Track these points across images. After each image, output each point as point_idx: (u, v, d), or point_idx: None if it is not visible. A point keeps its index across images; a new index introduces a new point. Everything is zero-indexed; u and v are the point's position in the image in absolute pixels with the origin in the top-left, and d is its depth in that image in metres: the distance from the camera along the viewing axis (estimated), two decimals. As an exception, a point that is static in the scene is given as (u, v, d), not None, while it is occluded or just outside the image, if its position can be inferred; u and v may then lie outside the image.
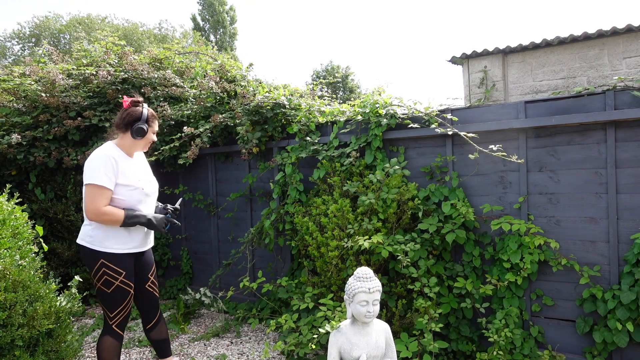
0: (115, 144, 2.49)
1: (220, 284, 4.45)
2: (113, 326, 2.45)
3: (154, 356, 3.30)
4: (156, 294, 2.69)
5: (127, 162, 2.45)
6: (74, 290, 2.34)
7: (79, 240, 2.42)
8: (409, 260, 2.87)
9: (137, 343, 3.53)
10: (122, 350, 3.41)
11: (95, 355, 2.47)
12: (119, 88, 4.42)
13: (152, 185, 2.59)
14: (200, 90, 4.40)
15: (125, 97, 2.54)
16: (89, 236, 2.37)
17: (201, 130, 3.92)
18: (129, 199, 2.41)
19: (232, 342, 3.52)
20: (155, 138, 2.60)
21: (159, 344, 2.73)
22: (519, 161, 2.86)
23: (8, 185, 2.51)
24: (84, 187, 2.33)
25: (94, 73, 4.48)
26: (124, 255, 2.42)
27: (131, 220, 2.38)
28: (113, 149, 2.45)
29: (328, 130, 3.76)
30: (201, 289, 3.99)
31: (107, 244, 2.37)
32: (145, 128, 2.47)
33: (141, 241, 2.51)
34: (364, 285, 1.97)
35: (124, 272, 2.41)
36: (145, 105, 2.54)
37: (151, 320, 2.67)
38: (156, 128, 2.60)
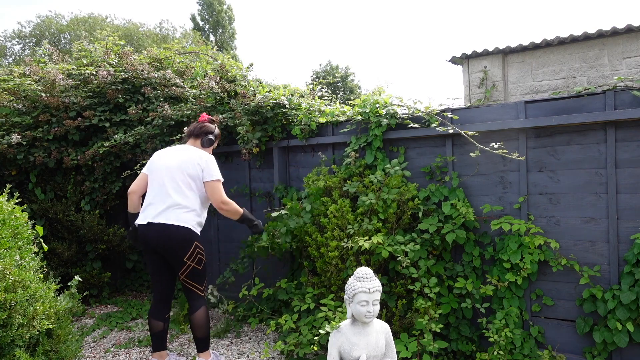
0: (199, 149, 2.98)
1: (216, 274, 4.45)
2: (204, 297, 2.92)
3: (154, 356, 3.31)
4: None
5: None
6: (74, 290, 2.34)
7: (179, 223, 2.71)
8: (409, 260, 2.88)
9: (137, 343, 3.53)
10: (122, 350, 3.42)
11: (197, 326, 2.83)
12: (119, 88, 4.42)
13: None
14: (200, 90, 4.40)
15: (204, 114, 3.14)
16: (191, 222, 2.78)
17: (201, 130, 3.92)
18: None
19: (232, 342, 3.52)
20: (210, 152, 3.10)
21: (165, 334, 2.98)
22: (520, 158, 2.86)
23: (8, 185, 2.51)
24: (210, 183, 2.84)
25: (94, 73, 4.48)
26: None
27: (247, 217, 3.03)
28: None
29: (328, 130, 3.76)
30: (209, 286, 3.93)
31: (199, 228, 2.86)
32: (214, 141, 3.09)
33: None
34: (364, 285, 1.97)
35: (204, 251, 2.90)
36: (217, 123, 3.19)
37: (169, 308, 3.01)
38: (216, 145, 3.19)
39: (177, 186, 2.78)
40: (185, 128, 3.94)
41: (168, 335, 3.68)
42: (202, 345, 2.88)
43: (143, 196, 2.93)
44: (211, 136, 3.05)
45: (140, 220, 2.80)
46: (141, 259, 4.99)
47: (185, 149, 2.92)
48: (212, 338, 3.60)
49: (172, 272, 2.91)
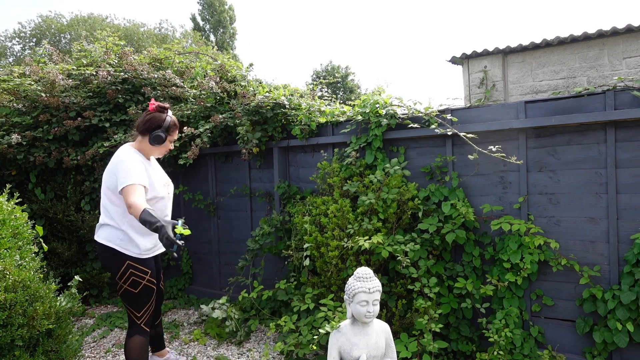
0: (134, 147, 2.51)
1: (221, 284, 4.45)
2: (141, 325, 2.52)
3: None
4: (162, 291, 2.84)
5: (148, 166, 2.51)
6: (74, 290, 2.34)
7: (105, 242, 2.41)
8: (409, 260, 2.87)
9: (137, 343, 3.52)
10: (122, 350, 3.42)
11: (126, 355, 2.52)
12: (119, 88, 4.42)
13: (168, 188, 2.65)
14: (200, 90, 4.40)
15: (153, 100, 2.58)
16: (114, 239, 2.41)
17: (201, 130, 3.92)
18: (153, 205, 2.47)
19: (232, 342, 3.52)
20: (172, 147, 2.62)
21: (160, 337, 2.95)
22: (518, 162, 2.86)
23: (8, 185, 2.51)
24: (123, 190, 2.26)
25: (94, 73, 4.48)
26: (149, 258, 2.52)
27: (147, 220, 2.10)
28: (134, 152, 2.48)
29: (328, 130, 3.76)
30: (217, 303, 3.81)
31: (136, 248, 2.42)
32: (163, 136, 2.48)
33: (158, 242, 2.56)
34: (364, 285, 1.97)
35: (149, 272, 2.49)
36: (169, 112, 2.55)
37: (159, 316, 2.86)
38: (175, 137, 2.60)
39: (103, 201, 2.47)
40: (185, 128, 3.97)
41: (168, 336, 3.68)
42: None
43: None
44: (159, 132, 2.45)
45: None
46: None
47: (114, 156, 2.46)
48: (213, 339, 3.60)
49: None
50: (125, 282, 2.43)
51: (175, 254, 2.04)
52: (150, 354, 3.01)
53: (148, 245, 2.49)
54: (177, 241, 2.02)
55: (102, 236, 2.45)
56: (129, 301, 2.49)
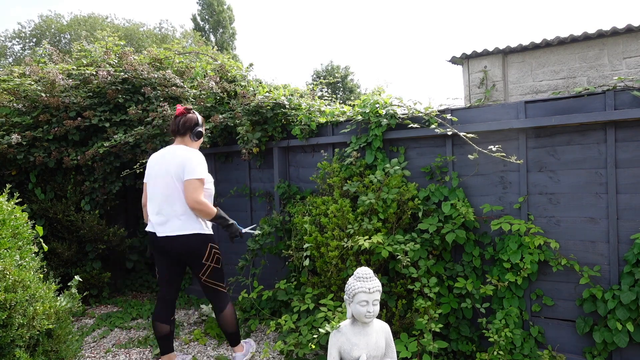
0: (185, 146, 2.82)
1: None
2: (227, 292, 2.98)
3: (154, 356, 3.30)
4: None
5: None
6: (74, 290, 2.33)
7: (186, 232, 2.69)
8: (409, 260, 2.87)
9: (137, 343, 3.52)
10: (122, 350, 3.42)
11: (227, 324, 2.93)
12: (119, 88, 4.42)
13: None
14: (200, 90, 4.40)
15: (178, 105, 2.91)
16: (197, 225, 2.74)
17: (201, 130, 3.92)
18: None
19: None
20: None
21: (172, 335, 3.01)
22: (518, 162, 2.86)
23: (8, 185, 2.51)
24: (187, 181, 2.67)
25: (94, 73, 4.48)
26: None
27: (221, 216, 2.81)
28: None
29: (328, 130, 3.76)
30: (202, 306, 3.87)
31: (208, 226, 2.84)
32: (203, 131, 2.92)
33: None
34: (364, 285, 1.97)
35: (218, 245, 2.92)
36: (194, 111, 2.93)
37: (174, 310, 3.02)
38: (204, 130, 3.05)
39: (171, 193, 2.71)
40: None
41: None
42: (234, 339, 3.01)
43: None
44: (199, 128, 2.87)
45: (150, 228, 2.82)
46: (141, 259, 4.99)
47: (173, 151, 2.78)
48: (213, 339, 3.60)
49: (181, 275, 2.94)
50: (211, 261, 2.81)
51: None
52: (159, 358, 3.05)
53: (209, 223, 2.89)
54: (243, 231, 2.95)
55: (186, 228, 2.71)
56: (216, 277, 2.86)
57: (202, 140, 2.96)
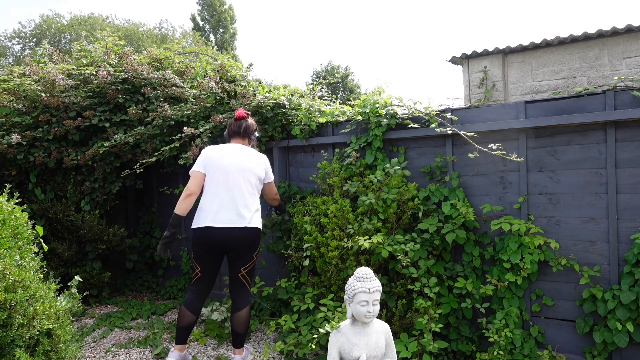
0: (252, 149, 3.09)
1: (221, 284, 4.45)
2: (251, 294, 3.18)
3: (154, 356, 3.30)
4: None
5: None
6: (74, 290, 2.33)
7: (255, 225, 2.89)
8: (409, 260, 2.87)
9: (137, 343, 3.52)
10: (122, 350, 3.42)
11: (241, 324, 2.95)
12: (119, 88, 4.42)
13: None
14: (200, 90, 4.40)
15: (240, 109, 3.12)
16: (260, 219, 2.99)
17: (201, 130, 3.92)
18: None
19: (231, 342, 3.51)
20: None
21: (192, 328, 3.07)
22: (519, 159, 2.86)
23: (8, 185, 2.51)
24: (271, 183, 3.18)
25: (94, 73, 4.48)
26: None
27: (284, 205, 3.54)
28: None
29: (328, 130, 3.76)
30: (215, 304, 3.85)
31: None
32: (259, 137, 3.33)
33: None
34: (364, 285, 1.97)
35: None
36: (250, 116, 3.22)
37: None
38: None
39: (251, 189, 2.92)
40: (185, 128, 3.96)
41: (168, 336, 3.68)
42: (240, 342, 3.02)
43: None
44: (257, 134, 3.19)
45: (213, 222, 2.80)
46: (141, 259, 4.99)
47: (247, 150, 3.02)
48: (213, 339, 3.61)
49: (219, 271, 3.02)
50: (257, 255, 2.96)
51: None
52: (172, 346, 3.13)
53: None
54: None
55: (257, 222, 2.92)
56: (252, 273, 3.00)
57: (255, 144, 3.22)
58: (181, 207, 2.85)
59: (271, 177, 3.15)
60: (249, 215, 2.86)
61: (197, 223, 2.86)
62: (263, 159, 3.07)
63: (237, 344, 3.01)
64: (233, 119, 3.11)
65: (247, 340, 3.53)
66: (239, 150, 2.99)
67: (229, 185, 2.85)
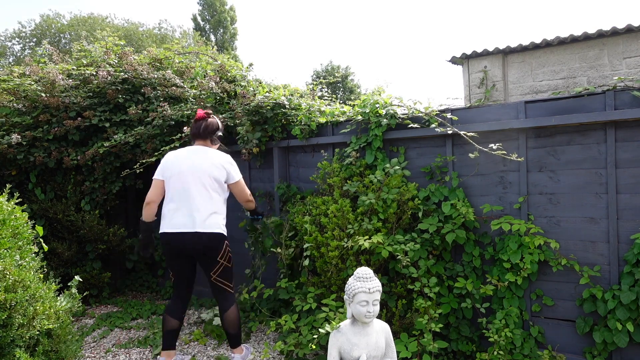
0: (214, 149, 2.98)
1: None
2: (234, 294, 3.00)
3: (154, 356, 3.30)
4: None
5: None
6: (74, 290, 2.33)
7: (214, 230, 2.80)
8: (408, 260, 2.87)
9: (137, 343, 3.52)
10: (122, 350, 3.42)
11: (230, 324, 2.93)
12: (119, 88, 4.42)
13: None
14: (200, 91, 4.40)
15: (199, 110, 3.01)
16: (222, 224, 2.89)
17: (201, 130, 3.92)
18: None
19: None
20: None
21: (179, 331, 3.07)
22: (519, 159, 2.86)
23: (8, 185, 2.51)
24: (236, 183, 2.99)
25: (94, 73, 4.48)
26: None
27: (258, 209, 3.41)
28: None
29: (328, 130, 3.76)
30: (216, 308, 3.81)
31: (225, 228, 2.94)
32: (222, 136, 3.05)
33: None
34: (364, 285, 1.97)
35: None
36: (213, 115, 3.09)
37: (187, 305, 3.10)
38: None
39: (205, 191, 2.82)
40: (185, 128, 3.96)
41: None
42: (235, 341, 3.00)
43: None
44: (219, 133, 3.03)
45: (169, 228, 2.80)
46: (141, 259, 4.99)
47: (204, 151, 2.92)
48: (213, 339, 3.60)
49: (194, 273, 2.99)
50: (225, 259, 2.88)
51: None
52: (159, 354, 3.07)
53: None
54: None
55: (212, 226, 2.81)
56: (226, 276, 2.92)
57: (220, 144, 3.08)
58: (145, 214, 2.93)
59: (235, 178, 2.97)
60: (201, 219, 2.77)
61: (160, 229, 2.87)
62: (224, 159, 2.93)
63: (233, 343, 3.01)
64: (193, 120, 3.04)
65: (247, 340, 3.53)
66: (196, 151, 2.91)
67: (183, 189, 2.80)
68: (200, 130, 2.95)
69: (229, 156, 2.99)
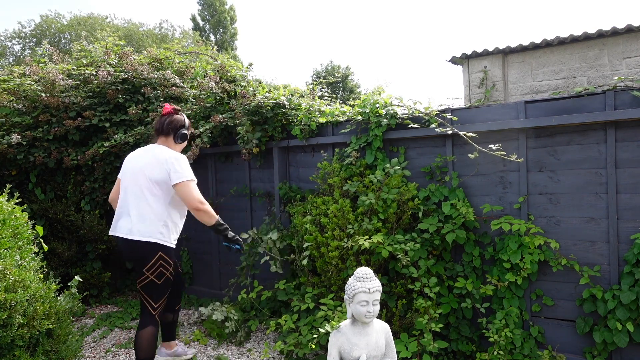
0: (169, 147, 2.70)
1: (221, 284, 4.45)
2: (155, 315, 2.64)
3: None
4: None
5: None
6: (74, 290, 2.34)
7: (144, 239, 2.51)
8: (409, 260, 2.87)
9: (137, 343, 3.52)
10: (122, 350, 3.42)
11: (138, 347, 2.57)
12: (119, 88, 4.42)
13: None
14: (200, 91, 4.40)
15: (167, 104, 2.77)
16: (158, 232, 2.54)
17: (201, 130, 3.92)
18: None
19: (232, 343, 3.51)
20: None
21: (175, 325, 3.03)
22: (518, 160, 2.86)
23: (8, 185, 2.51)
24: (180, 184, 2.53)
25: (94, 73, 4.48)
26: (174, 248, 2.68)
27: (221, 227, 2.75)
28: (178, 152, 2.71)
29: (328, 130, 3.76)
30: (216, 304, 3.83)
31: (171, 238, 2.62)
32: (188, 134, 2.77)
33: None
34: (364, 285, 1.97)
35: (173, 264, 2.65)
36: (182, 112, 2.82)
37: (179, 301, 3.00)
38: (189, 134, 2.85)
39: (140, 194, 2.56)
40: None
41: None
42: None
43: None
44: (184, 130, 2.73)
45: (112, 231, 2.66)
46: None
47: (151, 150, 2.65)
48: (213, 339, 3.60)
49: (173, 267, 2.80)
50: (152, 273, 2.55)
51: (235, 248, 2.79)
52: (159, 345, 3.06)
53: (177, 236, 2.70)
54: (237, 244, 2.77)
55: (143, 233, 2.52)
56: (150, 292, 2.59)
57: (184, 144, 2.81)
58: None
59: (180, 179, 2.51)
60: (130, 225, 2.54)
61: None
62: (169, 156, 2.57)
63: None
64: (159, 115, 2.80)
65: (247, 340, 3.53)
66: (148, 151, 2.68)
67: (124, 192, 2.64)
68: (164, 125, 2.69)
69: (179, 154, 2.64)
